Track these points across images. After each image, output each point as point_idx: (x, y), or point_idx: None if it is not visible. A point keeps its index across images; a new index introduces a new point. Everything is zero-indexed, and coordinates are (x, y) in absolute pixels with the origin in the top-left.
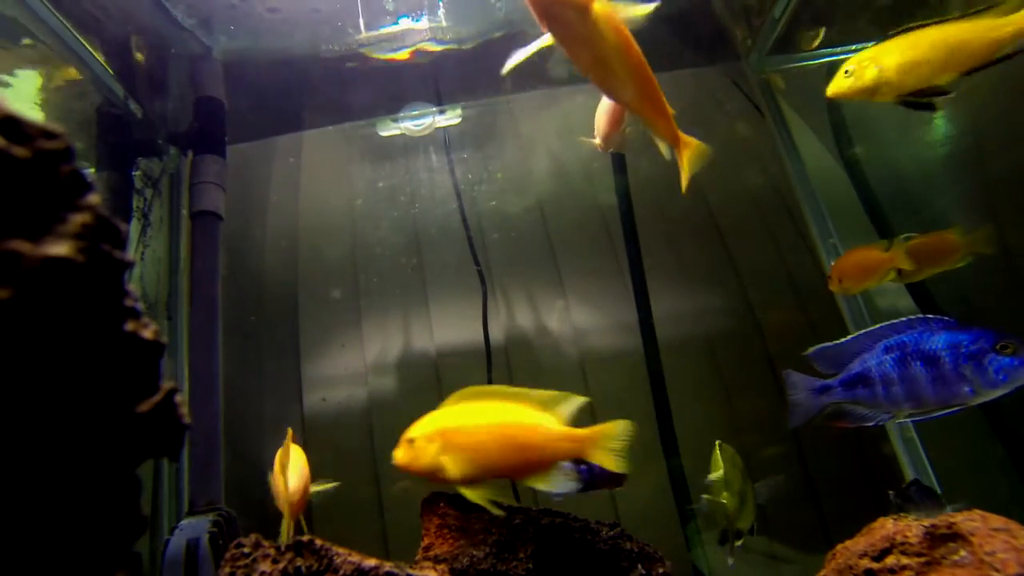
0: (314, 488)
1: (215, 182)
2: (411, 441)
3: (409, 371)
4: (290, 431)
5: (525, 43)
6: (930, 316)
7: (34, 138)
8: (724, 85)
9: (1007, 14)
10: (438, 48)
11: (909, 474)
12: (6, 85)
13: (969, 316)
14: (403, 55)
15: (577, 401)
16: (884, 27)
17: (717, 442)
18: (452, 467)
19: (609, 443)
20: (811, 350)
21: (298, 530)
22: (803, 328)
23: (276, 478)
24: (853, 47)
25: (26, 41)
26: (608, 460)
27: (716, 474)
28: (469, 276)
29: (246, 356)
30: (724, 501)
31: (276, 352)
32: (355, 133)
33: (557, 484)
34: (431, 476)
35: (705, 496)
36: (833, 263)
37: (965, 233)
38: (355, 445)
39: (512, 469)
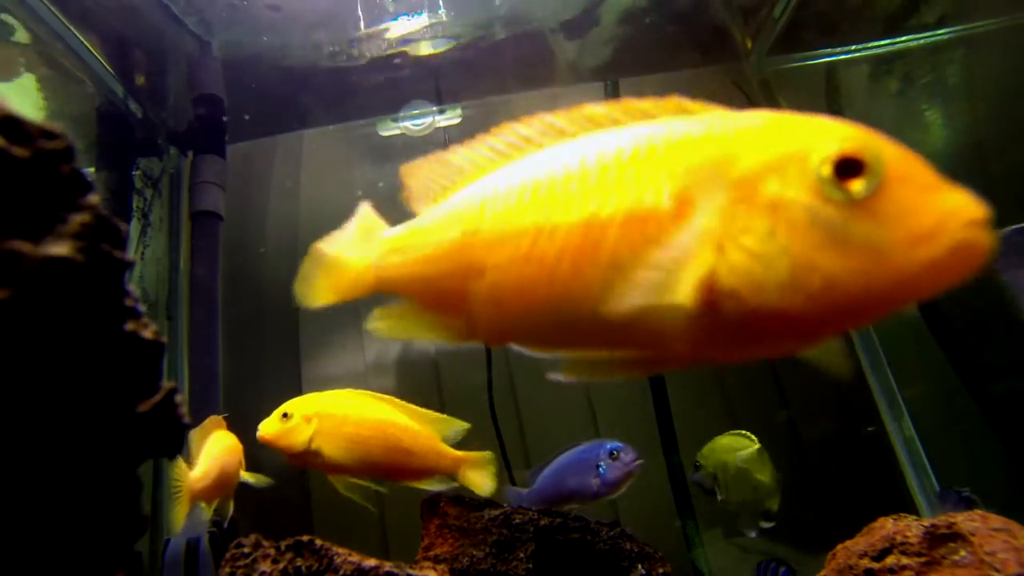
0: (246, 476)
1: (215, 182)
2: (286, 416)
3: (409, 371)
4: (216, 417)
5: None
6: None
7: (34, 138)
8: (724, 85)
9: None
10: (438, 49)
11: (909, 474)
12: (6, 84)
13: (971, 316)
14: (403, 51)
15: (459, 426)
16: (884, 28)
17: (737, 432)
18: (328, 452)
19: (479, 470)
20: (1009, 229)
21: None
22: None
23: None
24: (853, 47)
25: (26, 40)
26: (475, 484)
27: (749, 451)
28: None
29: (246, 356)
30: (760, 477)
31: (276, 352)
32: (355, 133)
33: (428, 486)
34: (299, 457)
35: (741, 463)
36: None
37: None
38: None
39: (388, 470)
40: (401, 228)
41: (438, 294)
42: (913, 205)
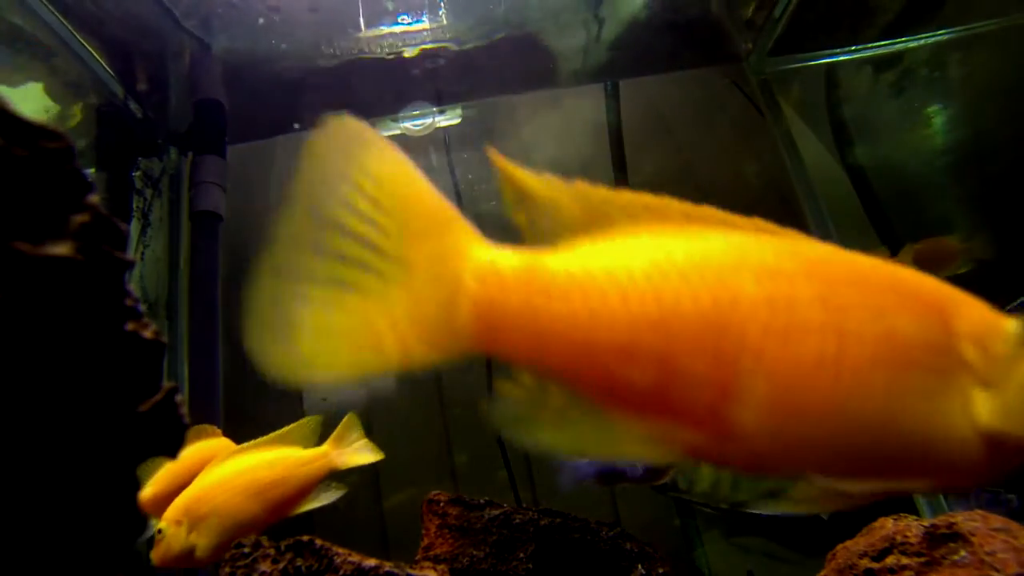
0: None
1: (215, 182)
2: (159, 532)
3: (410, 375)
4: (203, 427)
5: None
6: None
7: (34, 138)
8: (724, 85)
9: None
10: (438, 47)
11: None
12: (9, 84)
13: None
14: (405, 54)
15: (310, 424)
16: (884, 28)
17: None
18: (205, 542)
19: (349, 444)
20: None
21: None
22: None
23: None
24: (853, 48)
25: (25, 41)
26: (359, 457)
27: None
28: None
29: (246, 356)
30: None
31: None
32: None
33: (320, 501)
34: (190, 562)
35: None
36: None
37: (963, 240)
38: None
39: (271, 511)
40: (560, 256)
41: (675, 388)
42: None
